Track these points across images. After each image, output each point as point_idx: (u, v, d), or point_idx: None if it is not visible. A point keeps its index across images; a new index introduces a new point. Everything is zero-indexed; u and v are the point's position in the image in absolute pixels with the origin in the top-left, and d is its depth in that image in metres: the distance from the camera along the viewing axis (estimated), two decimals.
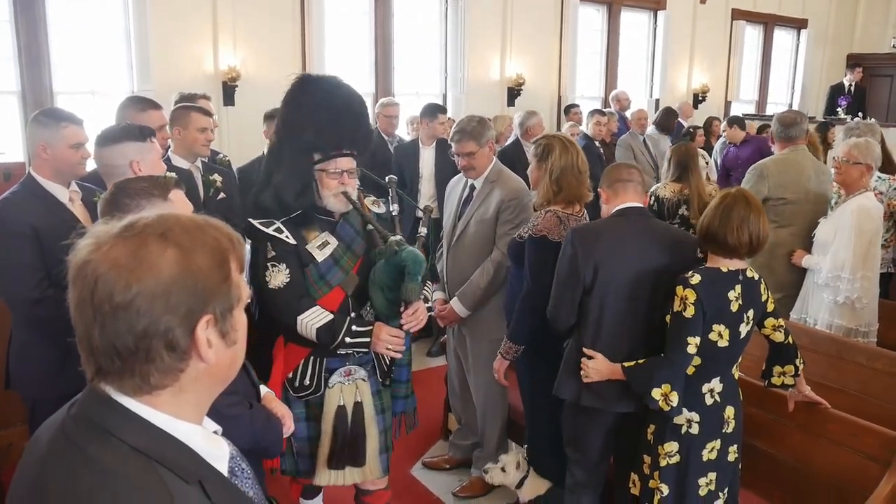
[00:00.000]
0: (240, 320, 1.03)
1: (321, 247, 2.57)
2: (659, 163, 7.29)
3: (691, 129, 8.04)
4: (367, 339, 2.55)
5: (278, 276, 2.50)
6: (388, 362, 2.81)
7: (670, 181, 4.43)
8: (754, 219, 2.49)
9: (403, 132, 6.92)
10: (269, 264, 2.51)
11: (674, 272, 2.58)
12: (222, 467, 1.03)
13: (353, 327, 2.54)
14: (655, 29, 10.37)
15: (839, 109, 10.43)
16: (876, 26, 11.95)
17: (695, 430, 2.55)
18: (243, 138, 6.42)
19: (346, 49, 7.69)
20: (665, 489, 2.58)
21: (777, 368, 2.72)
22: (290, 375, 2.67)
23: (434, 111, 5.77)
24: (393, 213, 2.83)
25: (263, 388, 2.20)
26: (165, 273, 0.93)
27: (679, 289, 2.49)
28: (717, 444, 2.58)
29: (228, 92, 6.87)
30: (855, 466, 2.76)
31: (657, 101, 9.60)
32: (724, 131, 8.00)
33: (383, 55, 7.85)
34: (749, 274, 2.57)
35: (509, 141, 6.82)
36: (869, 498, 2.58)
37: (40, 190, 2.70)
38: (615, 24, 9.91)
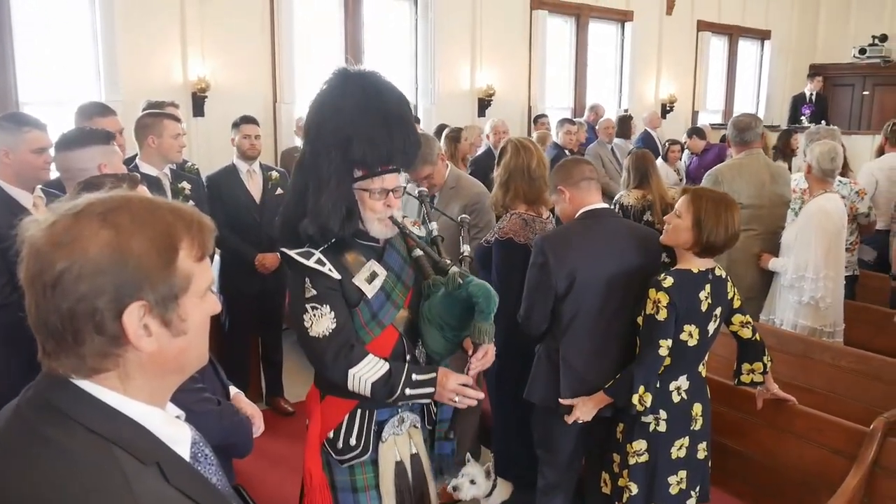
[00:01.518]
0: (192, 310, 1.00)
1: (370, 279, 2.13)
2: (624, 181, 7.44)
3: (667, 144, 8.22)
4: (431, 390, 2.11)
5: (322, 322, 2.05)
6: (436, 404, 2.39)
7: (632, 188, 4.50)
8: (738, 218, 2.55)
9: None
10: (308, 306, 2.06)
11: (644, 271, 2.62)
12: (184, 452, 1.01)
13: (414, 376, 2.10)
14: (623, 40, 10.50)
15: (803, 118, 10.64)
16: (836, 37, 12.22)
17: (662, 427, 2.57)
18: (212, 149, 6.37)
19: (316, 60, 7.69)
20: (634, 488, 2.59)
21: (746, 366, 2.75)
22: (331, 435, 2.21)
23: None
24: (434, 234, 2.37)
25: (233, 389, 2.18)
26: (93, 253, 0.91)
27: (652, 291, 2.52)
28: (686, 441, 2.60)
29: (198, 102, 6.81)
30: (822, 460, 2.81)
31: (626, 111, 9.70)
32: (685, 142, 8.24)
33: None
34: (717, 272, 2.61)
35: (481, 150, 6.87)
36: (837, 491, 2.62)
37: (3, 195, 2.67)
38: (583, 35, 10.02)
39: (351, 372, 2.06)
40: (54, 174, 2.83)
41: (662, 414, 2.57)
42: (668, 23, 10.76)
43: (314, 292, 2.06)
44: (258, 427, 2.11)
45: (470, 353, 2.14)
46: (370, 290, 2.12)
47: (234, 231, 4.50)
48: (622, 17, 10.32)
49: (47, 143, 2.75)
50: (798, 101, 10.98)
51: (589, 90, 10.18)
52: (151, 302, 0.94)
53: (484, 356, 2.14)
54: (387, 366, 2.09)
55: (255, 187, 4.57)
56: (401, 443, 2.28)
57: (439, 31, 8.34)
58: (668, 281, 2.49)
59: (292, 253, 2.09)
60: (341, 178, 2.06)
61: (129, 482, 0.88)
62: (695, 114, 11.26)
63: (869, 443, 2.66)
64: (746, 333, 2.72)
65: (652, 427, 2.58)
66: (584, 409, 2.63)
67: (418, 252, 2.24)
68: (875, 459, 2.65)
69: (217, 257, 4.72)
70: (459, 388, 2.11)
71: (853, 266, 4.84)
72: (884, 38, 11.52)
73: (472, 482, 3.25)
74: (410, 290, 2.22)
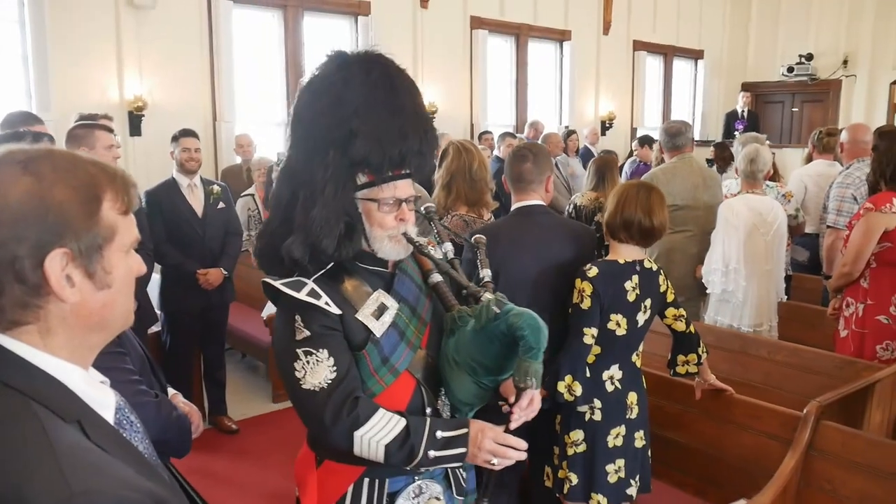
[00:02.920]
0: (117, 264, 0.98)
1: (378, 314, 1.70)
2: (570, 183, 7.59)
3: (603, 153, 8.39)
4: (462, 450, 1.64)
5: (318, 371, 1.62)
6: (464, 466, 1.92)
7: (588, 190, 4.60)
8: (658, 203, 2.61)
9: None
10: (300, 351, 1.63)
11: (577, 266, 2.66)
12: (107, 416, 0.99)
13: (439, 433, 1.64)
14: (562, 59, 10.73)
15: (736, 133, 10.99)
16: (765, 56, 12.69)
17: (598, 416, 2.60)
18: (151, 169, 6.26)
19: (256, 78, 7.66)
20: (574, 478, 2.62)
21: (681, 357, 2.81)
22: None
23: None
24: (449, 257, 1.90)
25: (171, 390, 2.13)
26: (13, 200, 0.90)
27: (578, 281, 2.58)
28: (622, 430, 2.64)
29: (135, 121, 6.71)
30: (760, 447, 2.88)
31: (566, 128, 9.89)
32: (635, 150, 8.38)
33: (295, 84, 7.84)
34: (647, 265, 2.67)
35: None
36: (774, 475, 2.69)
37: None
38: (523, 54, 10.21)
39: (358, 435, 1.62)
40: None
41: (597, 403, 2.60)
42: (605, 42, 11.05)
43: (307, 333, 1.64)
44: (196, 425, 2.05)
45: (511, 400, 1.70)
46: (379, 328, 1.69)
47: (175, 246, 4.43)
48: (560, 36, 10.55)
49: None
50: (731, 118, 11.35)
51: (530, 107, 10.35)
52: (74, 251, 0.93)
53: (529, 404, 1.68)
54: (403, 422, 1.64)
55: (196, 201, 4.51)
56: None
57: (380, 49, 8.38)
58: (593, 271, 2.55)
59: (278, 283, 1.66)
60: (340, 184, 1.65)
61: (46, 432, 0.86)
62: (633, 130, 11.54)
63: (803, 427, 2.74)
64: (680, 326, 2.78)
65: (587, 416, 2.61)
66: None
67: (437, 277, 1.80)
68: (810, 442, 2.72)
69: (156, 274, 4.64)
70: (499, 448, 1.64)
71: (786, 267, 5.00)
72: (810, 56, 12.00)
73: None
74: (428, 325, 1.79)
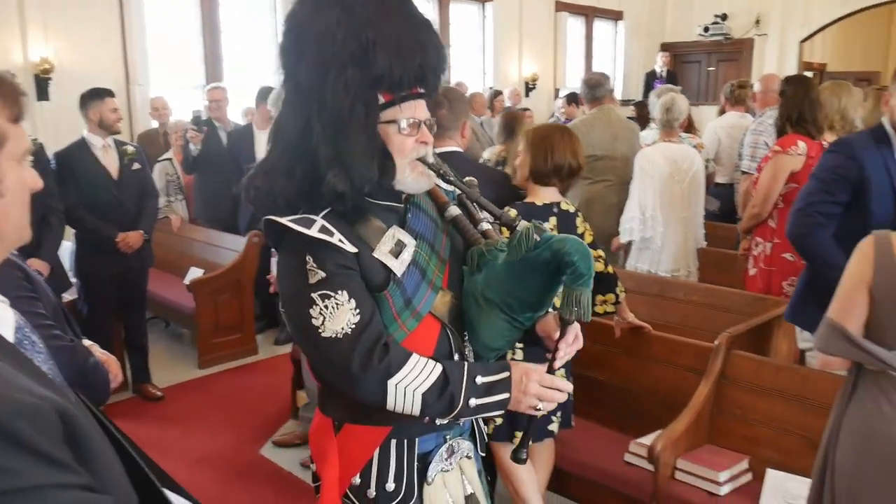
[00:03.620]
0: (8, 172, 0.95)
1: (396, 251, 1.53)
2: (496, 141, 7.63)
3: (522, 111, 8.43)
4: (505, 396, 1.49)
5: (340, 315, 1.44)
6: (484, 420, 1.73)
7: (497, 144, 4.64)
8: (578, 143, 2.69)
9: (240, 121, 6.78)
10: (315, 296, 1.45)
11: None
12: (5, 332, 0.96)
13: (479, 379, 1.49)
14: (484, 20, 10.71)
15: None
16: (683, 17, 12.94)
17: (519, 356, 2.66)
18: (60, 134, 5.97)
19: (171, 39, 7.39)
20: (498, 418, 2.67)
21: (599, 297, 2.87)
22: (358, 480, 1.59)
23: (268, 94, 5.67)
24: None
25: (87, 341, 2.07)
26: None
27: None
28: (543, 369, 2.70)
29: (42, 85, 6.39)
30: (677, 379, 3.01)
31: (490, 88, 9.90)
32: (561, 108, 8.42)
33: (212, 47, 7.61)
34: (564, 206, 2.74)
35: None
36: (689, 403, 2.81)
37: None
38: (445, 16, 10.14)
39: (392, 383, 1.44)
40: None
41: (517, 343, 2.65)
42: (527, 3, 11.05)
43: (322, 275, 1.45)
44: (115, 374, 2.00)
45: (556, 336, 1.55)
46: (399, 267, 1.51)
47: (90, 210, 4.28)
48: None
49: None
50: (651, 78, 11.57)
51: (454, 69, 10.31)
52: None
53: (575, 339, 1.56)
54: (439, 367, 1.48)
55: (111, 163, 4.37)
56: (451, 482, 1.66)
57: None
58: (512, 213, 2.59)
59: (285, 220, 1.47)
60: (368, 104, 1.46)
61: None
62: (556, 91, 11.63)
63: (715, 357, 2.87)
64: (599, 267, 2.82)
65: (509, 357, 2.66)
66: None
67: (455, 210, 1.64)
68: (722, 371, 2.86)
69: (67, 241, 4.48)
70: (545, 392, 1.50)
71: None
72: (724, 17, 12.29)
73: None
74: (448, 263, 1.62)
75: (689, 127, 5.48)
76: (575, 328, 1.54)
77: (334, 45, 1.43)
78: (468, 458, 1.70)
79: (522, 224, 1.52)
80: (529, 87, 11.15)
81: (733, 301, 3.58)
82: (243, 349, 5.32)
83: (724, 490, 2.66)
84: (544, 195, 2.69)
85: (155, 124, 6.61)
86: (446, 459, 1.65)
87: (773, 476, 2.62)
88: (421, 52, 1.48)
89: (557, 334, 1.54)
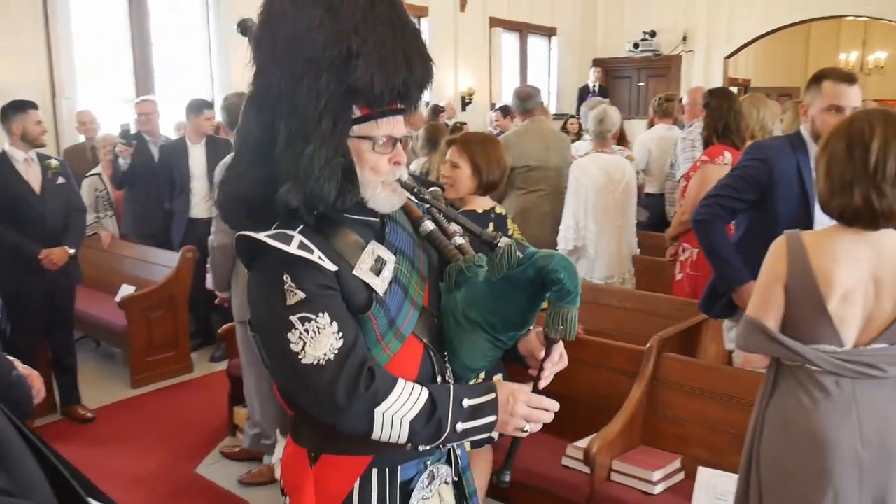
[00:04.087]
0: None
1: (377, 269, 1.43)
2: (418, 153, 7.76)
3: (458, 125, 8.54)
4: (492, 419, 1.41)
5: (321, 340, 1.34)
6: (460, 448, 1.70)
7: (422, 157, 4.72)
8: (497, 148, 2.79)
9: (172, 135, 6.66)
10: (294, 319, 1.34)
11: None
12: None
13: (465, 401, 1.40)
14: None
15: None
16: (614, 33, 13.30)
17: None
18: None
19: (100, 52, 7.22)
20: None
21: None
22: None
23: (200, 106, 5.60)
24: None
25: (9, 357, 2.00)
26: None
27: None
28: (482, 376, 2.74)
29: None
30: (611, 382, 3.07)
31: (427, 103, 9.97)
32: (495, 120, 8.56)
33: (142, 59, 7.46)
34: (498, 210, 2.82)
35: None
36: (623, 405, 2.87)
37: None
38: None
39: (379, 411, 1.35)
40: None
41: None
42: (462, 18, 11.18)
43: (301, 295, 1.34)
44: (38, 389, 1.94)
45: (540, 354, 1.48)
46: (380, 285, 1.42)
47: (12, 226, 4.13)
48: (417, 12, 10.57)
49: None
50: (584, 92, 11.83)
51: None
52: None
53: (560, 358, 1.50)
54: (426, 392, 1.39)
55: (33, 177, 4.24)
56: None
57: (231, 24, 8.11)
58: (489, 229, 2.65)
59: (261, 236, 1.36)
60: (338, 117, 1.36)
61: None
62: (492, 105, 11.77)
63: (647, 360, 2.95)
64: None
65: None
66: None
67: (429, 225, 1.54)
68: (653, 373, 2.94)
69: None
70: (532, 412, 1.43)
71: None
72: (653, 33, 12.68)
73: None
74: (427, 280, 1.54)
75: (621, 139, 5.64)
76: (560, 347, 1.49)
77: (313, 48, 1.33)
78: (447, 483, 1.62)
79: (504, 241, 1.46)
80: (466, 102, 11.26)
81: (664, 306, 3.68)
82: (178, 367, 5.19)
83: (657, 489, 2.72)
84: (483, 202, 2.77)
85: (82, 139, 6.44)
86: (426, 486, 1.56)
87: (703, 473, 2.70)
88: (407, 66, 1.38)
89: (542, 353, 1.48)
